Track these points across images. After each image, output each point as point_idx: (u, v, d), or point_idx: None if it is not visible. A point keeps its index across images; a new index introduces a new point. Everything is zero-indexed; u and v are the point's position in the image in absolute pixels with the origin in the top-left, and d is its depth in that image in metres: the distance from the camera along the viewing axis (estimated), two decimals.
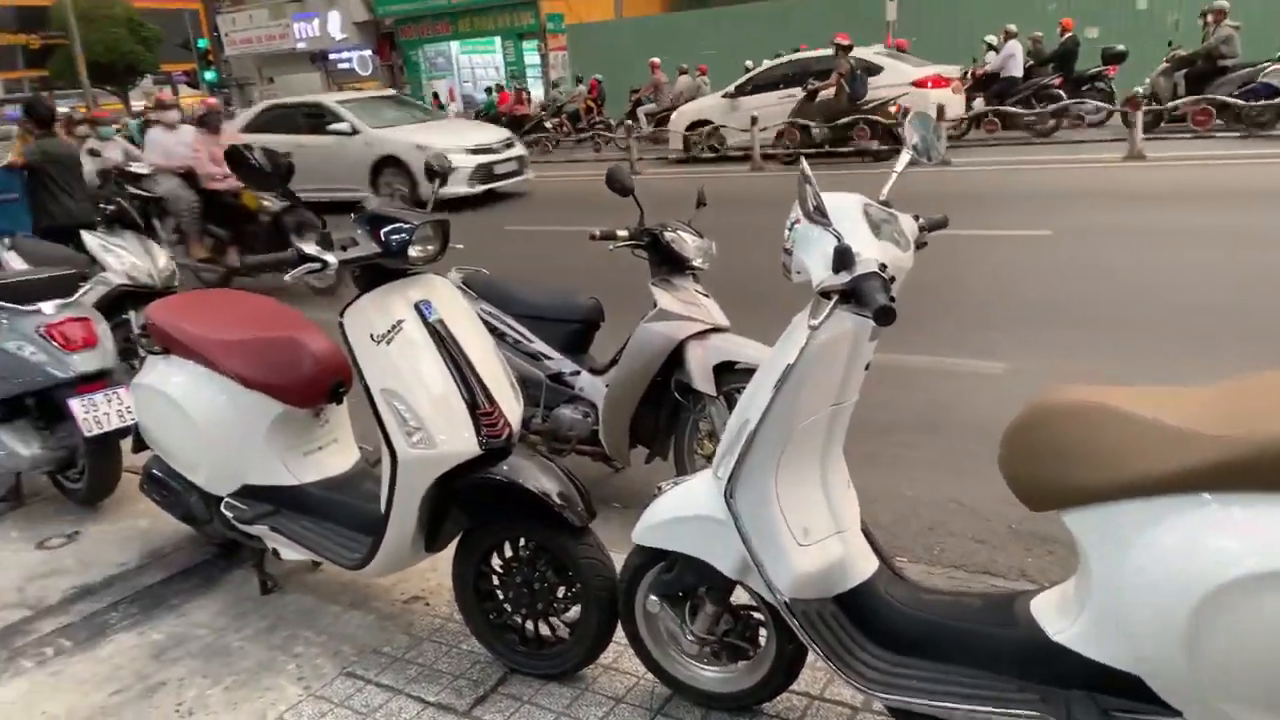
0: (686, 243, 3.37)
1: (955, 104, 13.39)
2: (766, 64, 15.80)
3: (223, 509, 2.75)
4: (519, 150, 13.09)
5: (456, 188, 11.38)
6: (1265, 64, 11.65)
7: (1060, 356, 4.75)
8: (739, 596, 2.08)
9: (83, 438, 3.33)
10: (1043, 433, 1.62)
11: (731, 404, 3.33)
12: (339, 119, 12.56)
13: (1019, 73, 14.31)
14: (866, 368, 1.89)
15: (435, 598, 2.83)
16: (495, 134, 13.26)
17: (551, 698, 2.33)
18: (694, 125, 15.19)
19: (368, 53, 31.04)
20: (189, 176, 8.35)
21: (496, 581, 2.45)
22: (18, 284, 3.44)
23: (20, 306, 3.36)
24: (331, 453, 2.83)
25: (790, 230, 1.84)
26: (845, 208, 1.78)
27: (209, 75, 30.45)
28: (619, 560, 2.29)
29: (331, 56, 31.93)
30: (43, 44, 38.38)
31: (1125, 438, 1.53)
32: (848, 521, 1.99)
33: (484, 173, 12.11)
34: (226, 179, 8.05)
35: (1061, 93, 13.39)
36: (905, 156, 2.06)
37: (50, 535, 3.37)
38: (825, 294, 1.69)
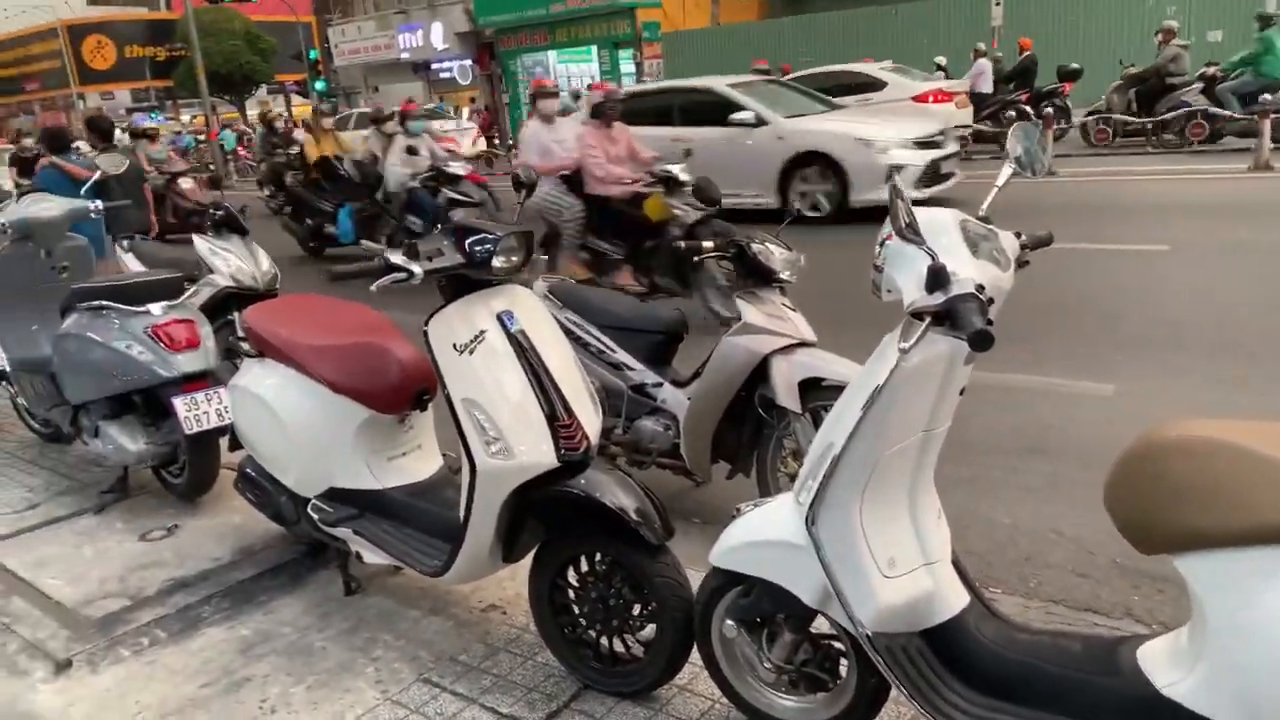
0: (774, 255, 3.29)
1: (961, 118, 13.63)
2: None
3: (309, 510, 2.81)
4: (954, 145, 10.30)
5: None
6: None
7: (1176, 381, 4.48)
8: (819, 625, 2.00)
9: (184, 435, 3.46)
10: (1155, 468, 1.50)
11: (818, 421, 3.23)
12: (738, 107, 9.91)
13: (989, 89, 14.78)
14: (961, 392, 1.79)
15: (512, 607, 2.82)
16: (933, 122, 10.40)
17: (625, 717, 2.29)
18: None
19: (468, 62, 31.78)
20: (572, 179, 6.86)
21: (572, 595, 2.43)
22: (129, 286, 3.61)
23: (130, 308, 3.52)
24: (415, 459, 2.86)
25: (880, 246, 1.76)
26: (941, 223, 1.69)
27: (319, 85, 31.69)
28: (698, 578, 2.24)
29: (433, 66, 32.85)
30: (168, 56, 40.74)
31: (1250, 478, 1.39)
32: (937, 553, 1.89)
33: (931, 173, 9.42)
34: (635, 183, 6.54)
35: (1027, 108, 13.93)
36: (1007, 169, 1.95)
37: (151, 528, 3.51)
38: (917, 315, 1.61)
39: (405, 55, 33.02)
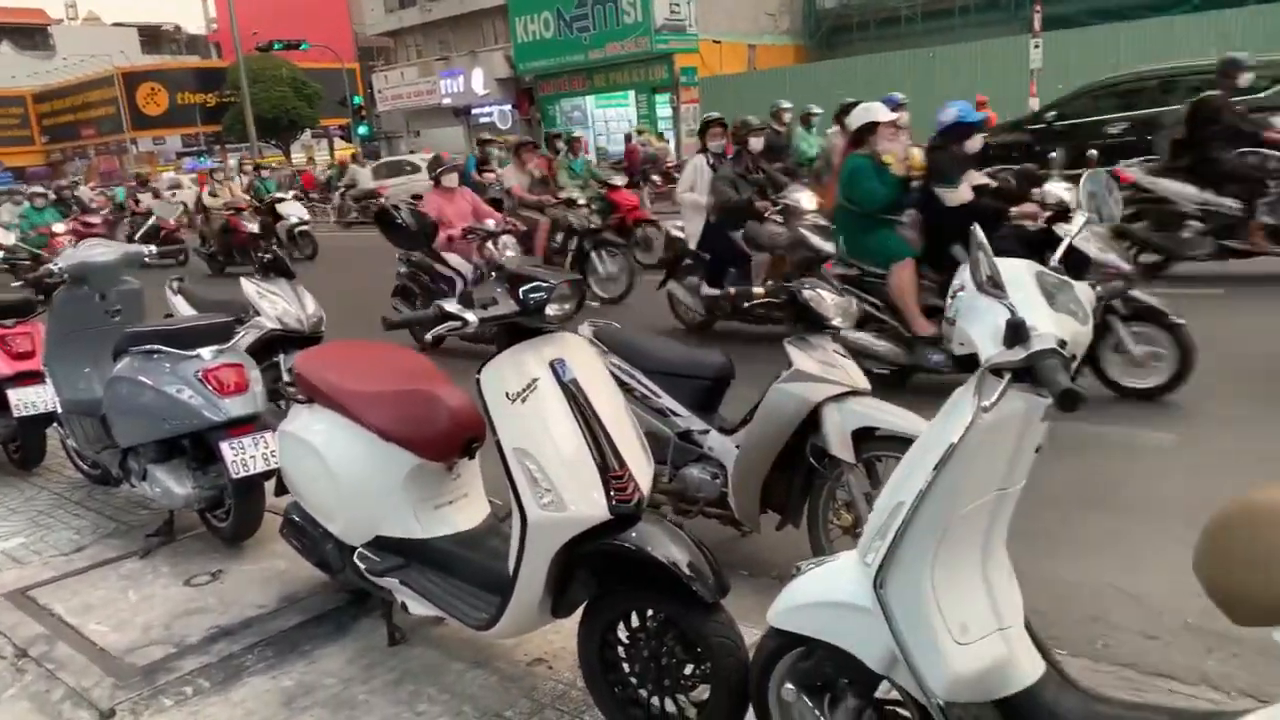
0: (825, 301, 3.24)
1: None
2: None
3: (355, 559, 2.77)
4: None
5: None
6: None
7: (1240, 430, 4.32)
8: (883, 689, 1.91)
9: (230, 479, 3.46)
10: (1255, 535, 1.41)
11: (871, 472, 3.16)
12: None
13: None
14: (1037, 450, 1.72)
15: (558, 662, 2.75)
16: None
17: None
18: None
19: (508, 107, 32.42)
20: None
21: (622, 653, 2.36)
22: (181, 330, 3.64)
23: (182, 352, 3.55)
24: (461, 508, 2.82)
25: (953, 298, 1.70)
26: (1017, 275, 1.64)
27: (362, 129, 32.42)
28: (746, 632, 2.17)
29: (474, 111, 33.52)
30: (218, 102, 42.02)
31: None
32: (1010, 618, 1.80)
33: None
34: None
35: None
36: (1080, 218, 1.89)
37: (196, 573, 3.49)
38: (996, 371, 1.54)
39: (447, 101, 33.78)
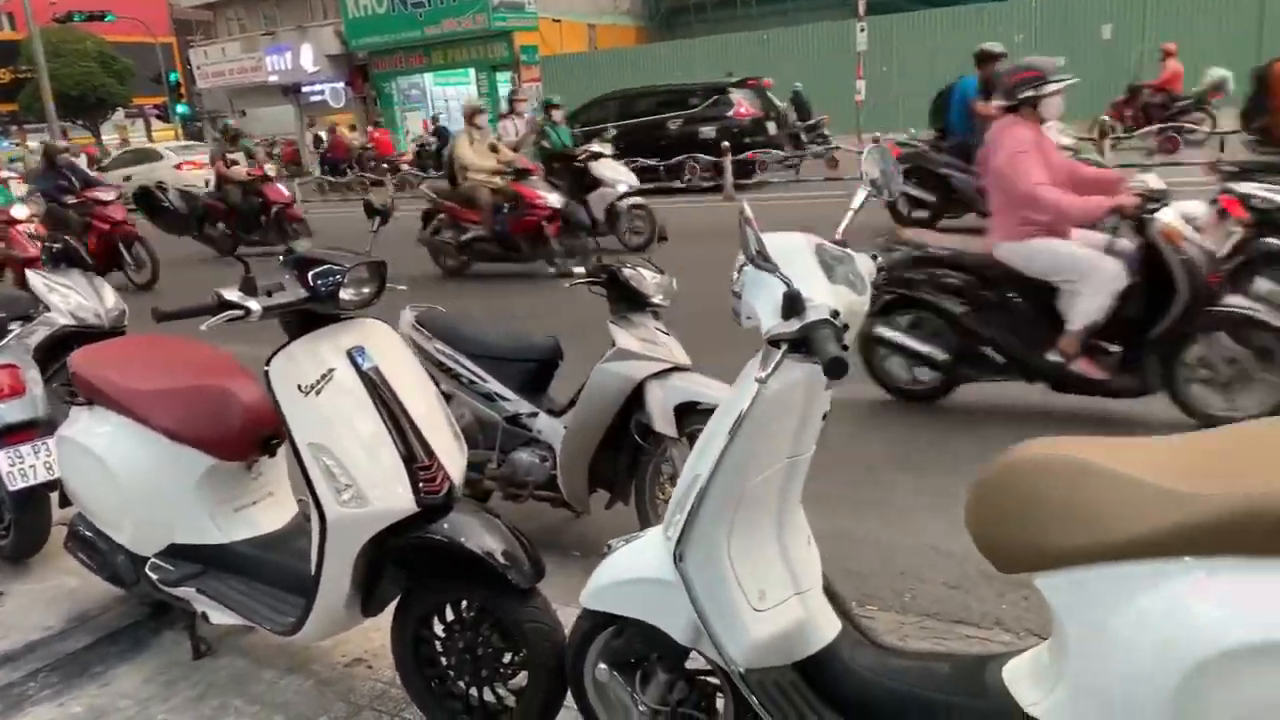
0: (646, 279, 3.25)
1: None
2: None
3: (148, 570, 2.57)
4: None
5: None
6: None
7: (1040, 389, 4.66)
8: (695, 660, 1.93)
9: (8, 492, 3.14)
10: (1011, 490, 1.50)
11: (694, 445, 3.19)
12: None
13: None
14: (824, 417, 1.77)
15: (378, 660, 2.65)
16: None
17: None
18: None
19: (340, 85, 31.03)
20: None
21: (438, 646, 2.29)
22: None
23: None
24: (264, 508, 2.66)
25: (738, 273, 1.72)
26: (796, 248, 1.67)
27: (180, 108, 30.23)
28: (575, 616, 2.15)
29: (304, 89, 31.89)
30: (13, 78, 38.10)
31: (1100, 496, 1.40)
32: (807, 581, 1.85)
33: None
34: None
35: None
36: (862, 192, 1.95)
37: None
38: (774, 342, 1.57)
39: (274, 78, 31.93)
